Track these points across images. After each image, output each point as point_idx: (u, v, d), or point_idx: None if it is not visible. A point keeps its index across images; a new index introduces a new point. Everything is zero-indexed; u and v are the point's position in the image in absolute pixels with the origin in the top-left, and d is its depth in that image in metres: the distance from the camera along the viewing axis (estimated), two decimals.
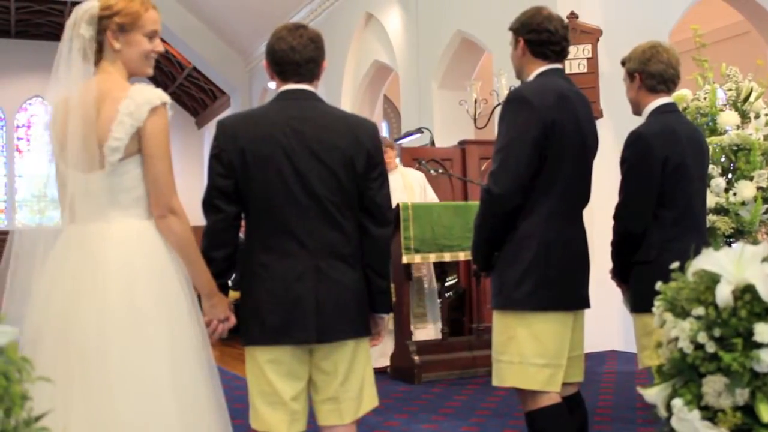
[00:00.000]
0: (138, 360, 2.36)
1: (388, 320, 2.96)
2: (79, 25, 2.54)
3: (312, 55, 2.77)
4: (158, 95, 2.50)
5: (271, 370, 2.72)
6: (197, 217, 2.79)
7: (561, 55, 3.14)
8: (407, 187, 7.09)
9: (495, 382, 3.08)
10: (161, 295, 2.46)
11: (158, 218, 2.53)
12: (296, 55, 2.75)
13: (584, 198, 3.14)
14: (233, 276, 2.89)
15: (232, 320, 2.74)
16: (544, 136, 2.93)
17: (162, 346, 2.40)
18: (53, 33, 20.25)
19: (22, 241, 2.58)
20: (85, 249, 2.48)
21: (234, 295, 2.87)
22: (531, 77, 3.11)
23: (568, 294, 3.03)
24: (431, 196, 7.19)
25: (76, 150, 2.49)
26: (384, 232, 2.82)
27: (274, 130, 2.70)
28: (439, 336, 6.79)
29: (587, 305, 3.14)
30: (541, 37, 3.08)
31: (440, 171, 7.34)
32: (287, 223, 2.69)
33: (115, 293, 2.39)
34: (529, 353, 2.96)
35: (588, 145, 3.10)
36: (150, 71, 2.67)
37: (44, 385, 1.51)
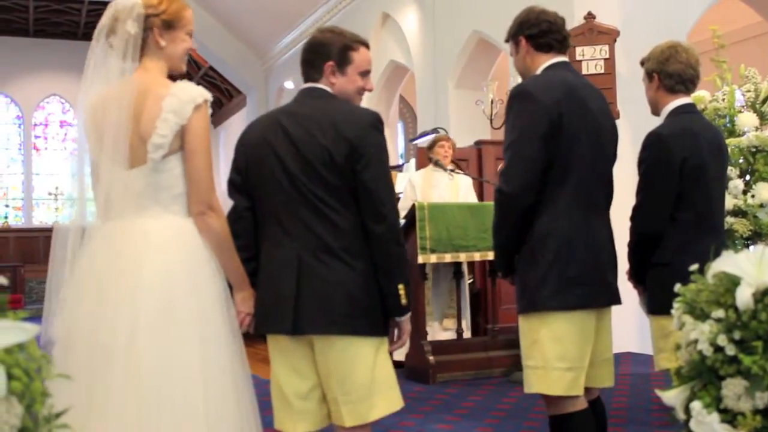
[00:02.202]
0: (170, 361, 2.36)
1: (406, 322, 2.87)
2: (124, 22, 2.56)
3: (304, 57, 2.89)
4: (201, 93, 2.54)
5: (277, 361, 2.78)
6: None
7: (564, 44, 3.11)
8: (453, 186, 7.09)
9: (525, 389, 3.02)
10: (197, 296, 2.47)
11: (197, 215, 2.55)
12: (300, 57, 2.92)
13: (604, 191, 3.07)
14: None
15: None
16: (551, 130, 2.88)
17: (195, 348, 2.41)
18: (71, 32, 20.39)
19: (56, 238, 2.58)
20: (125, 246, 2.49)
21: None
22: (537, 72, 3.09)
23: (590, 292, 2.95)
24: (471, 200, 7.19)
25: (119, 146, 2.50)
26: (381, 228, 2.69)
27: (267, 129, 2.80)
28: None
29: (615, 301, 3.08)
30: (542, 28, 3.06)
31: (456, 171, 7.32)
32: (278, 216, 2.74)
33: (151, 293, 2.40)
34: (552, 356, 2.91)
35: (603, 138, 3.04)
36: (185, 68, 2.75)
37: (67, 384, 1.51)
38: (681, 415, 1.67)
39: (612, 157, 3.13)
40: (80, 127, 2.67)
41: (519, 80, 8.01)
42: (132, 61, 2.59)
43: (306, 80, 2.88)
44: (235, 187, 2.86)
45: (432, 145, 7.23)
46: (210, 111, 2.58)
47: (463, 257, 6.43)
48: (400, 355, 6.78)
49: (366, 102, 13.07)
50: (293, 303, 2.66)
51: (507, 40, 3.19)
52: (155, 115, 2.48)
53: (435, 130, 9.47)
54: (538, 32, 3.07)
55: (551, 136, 2.88)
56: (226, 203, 2.84)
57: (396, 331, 2.83)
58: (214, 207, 2.57)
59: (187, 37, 2.68)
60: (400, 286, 2.74)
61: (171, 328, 2.39)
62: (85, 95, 2.63)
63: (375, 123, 2.75)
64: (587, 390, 3.01)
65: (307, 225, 2.69)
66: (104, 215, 2.57)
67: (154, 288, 2.41)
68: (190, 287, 2.46)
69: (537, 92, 2.93)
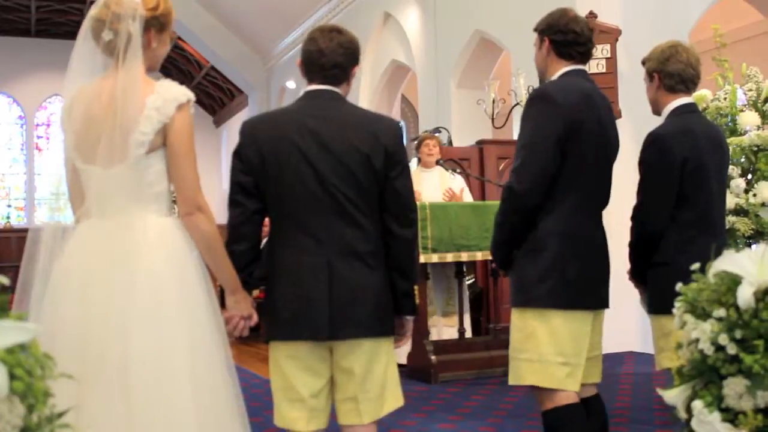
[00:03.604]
0: (159, 361, 2.34)
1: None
2: (126, 22, 2.49)
3: (339, 60, 2.79)
4: (184, 92, 2.51)
5: (289, 365, 2.75)
6: (216, 216, 2.80)
7: (585, 56, 3.16)
8: (443, 185, 7.09)
9: (512, 381, 3.07)
10: (183, 295, 2.44)
11: (185, 215, 2.53)
12: (323, 59, 2.78)
13: (604, 197, 3.15)
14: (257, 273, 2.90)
15: (255, 318, 2.75)
16: (567, 134, 2.94)
17: (183, 347, 2.39)
18: (73, 32, 20.35)
19: (33, 238, 2.57)
20: (108, 245, 2.44)
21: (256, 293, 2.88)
22: (555, 77, 3.12)
23: (589, 293, 3.03)
24: (467, 200, 7.18)
25: (103, 144, 2.46)
26: (407, 232, 2.80)
27: (290, 130, 2.74)
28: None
29: (606, 305, 3.14)
30: (568, 38, 3.09)
31: (458, 171, 7.33)
32: (303, 221, 2.72)
33: (140, 292, 2.36)
34: (548, 351, 2.96)
35: (610, 146, 3.12)
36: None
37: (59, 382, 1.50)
38: (682, 414, 1.67)
39: (612, 166, 3.18)
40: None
41: (521, 80, 8.05)
42: (129, 60, 2.49)
43: (327, 83, 2.81)
44: (243, 189, 2.77)
45: (418, 146, 7.24)
46: (192, 111, 2.53)
47: (465, 257, 6.42)
48: (402, 356, 6.78)
49: (368, 101, 13.01)
50: (327, 309, 2.67)
51: (535, 30, 3.22)
52: (138, 112, 2.45)
53: (437, 130, 9.46)
54: (563, 40, 3.11)
55: (566, 139, 2.94)
56: (225, 202, 2.82)
57: (401, 329, 2.90)
58: (201, 207, 2.53)
59: (169, 39, 2.65)
60: (415, 287, 2.84)
61: (160, 328, 2.36)
62: (68, 91, 2.58)
63: (401, 131, 2.84)
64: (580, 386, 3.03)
65: (336, 230, 2.70)
66: (85, 214, 2.52)
67: (142, 288, 2.37)
68: (177, 287, 2.44)
69: (557, 96, 2.98)
